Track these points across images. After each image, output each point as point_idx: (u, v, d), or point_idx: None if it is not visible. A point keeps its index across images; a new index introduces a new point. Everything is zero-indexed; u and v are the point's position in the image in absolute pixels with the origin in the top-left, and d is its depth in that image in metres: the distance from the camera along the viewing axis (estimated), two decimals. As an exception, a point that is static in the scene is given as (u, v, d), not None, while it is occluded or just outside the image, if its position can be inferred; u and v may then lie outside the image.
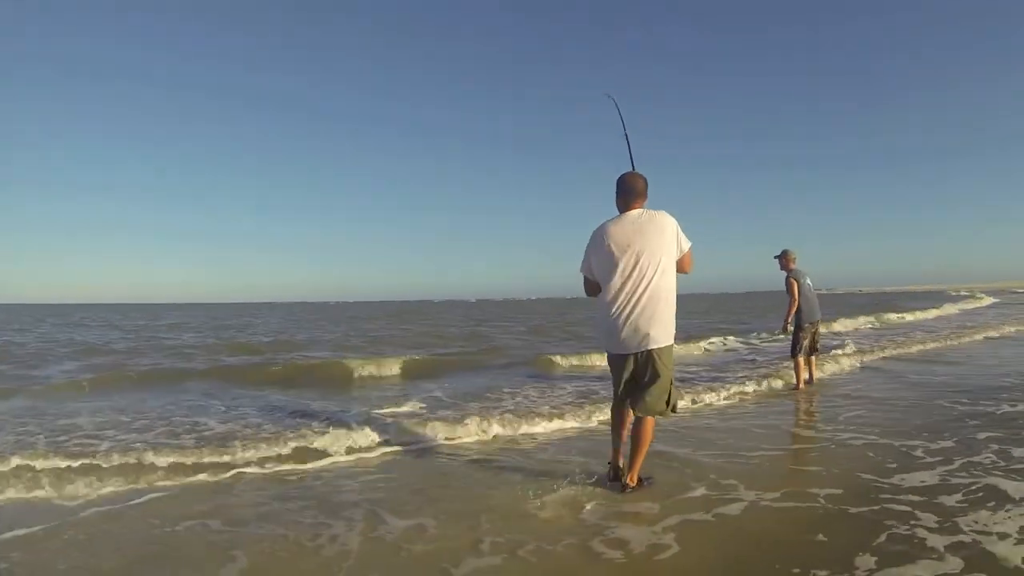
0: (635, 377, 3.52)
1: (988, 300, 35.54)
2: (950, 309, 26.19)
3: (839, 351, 10.44)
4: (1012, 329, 15.18)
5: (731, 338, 14.12)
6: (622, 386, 3.59)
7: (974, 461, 4.12)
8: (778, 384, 7.66)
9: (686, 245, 3.53)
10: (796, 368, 7.60)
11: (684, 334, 12.38)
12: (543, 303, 76.45)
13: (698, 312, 31.22)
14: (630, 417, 3.68)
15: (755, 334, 14.86)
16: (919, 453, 4.38)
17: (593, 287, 3.66)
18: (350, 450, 4.77)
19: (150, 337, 19.00)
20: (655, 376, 3.45)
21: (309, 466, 4.41)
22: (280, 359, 11.38)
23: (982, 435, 4.82)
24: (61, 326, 27.17)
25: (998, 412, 5.68)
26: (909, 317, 21.09)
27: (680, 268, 3.55)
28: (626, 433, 3.74)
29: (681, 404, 5.23)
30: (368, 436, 4.96)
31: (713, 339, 13.68)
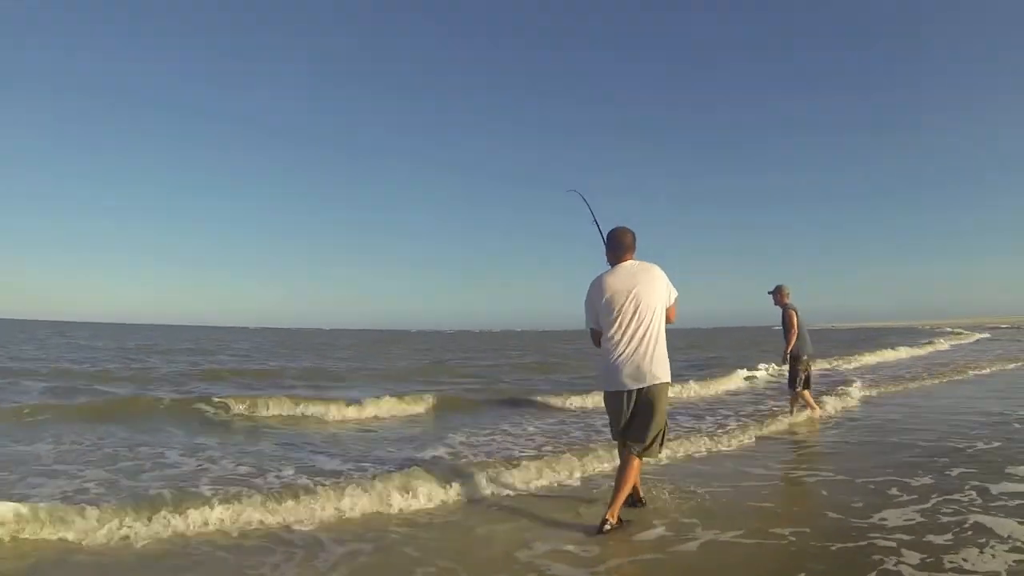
0: (635, 414, 3.67)
1: (975, 336, 35.69)
2: (941, 345, 26.22)
3: (844, 388, 10.13)
4: (1013, 365, 15.33)
5: (741, 370, 13.44)
6: (622, 424, 3.72)
7: (953, 498, 4.02)
8: (775, 425, 7.30)
9: (674, 295, 3.84)
10: (793, 400, 7.85)
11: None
12: (523, 335, 75.21)
13: (675, 348, 30.53)
14: (634, 462, 3.74)
15: (745, 369, 14.21)
16: (895, 491, 4.30)
17: (599, 337, 3.84)
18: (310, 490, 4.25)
19: (119, 359, 18.48)
20: (654, 412, 3.65)
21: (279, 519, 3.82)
22: (258, 390, 10.94)
23: (956, 471, 4.75)
24: (25, 344, 26.27)
25: (975, 449, 5.61)
26: (903, 354, 20.70)
27: (666, 317, 3.80)
28: (628, 481, 3.73)
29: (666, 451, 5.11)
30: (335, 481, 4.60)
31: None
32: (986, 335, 37.25)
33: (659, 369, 3.64)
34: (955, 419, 7.38)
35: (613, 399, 3.75)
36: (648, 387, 3.63)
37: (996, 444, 5.75)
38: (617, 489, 3.66)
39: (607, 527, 3.50)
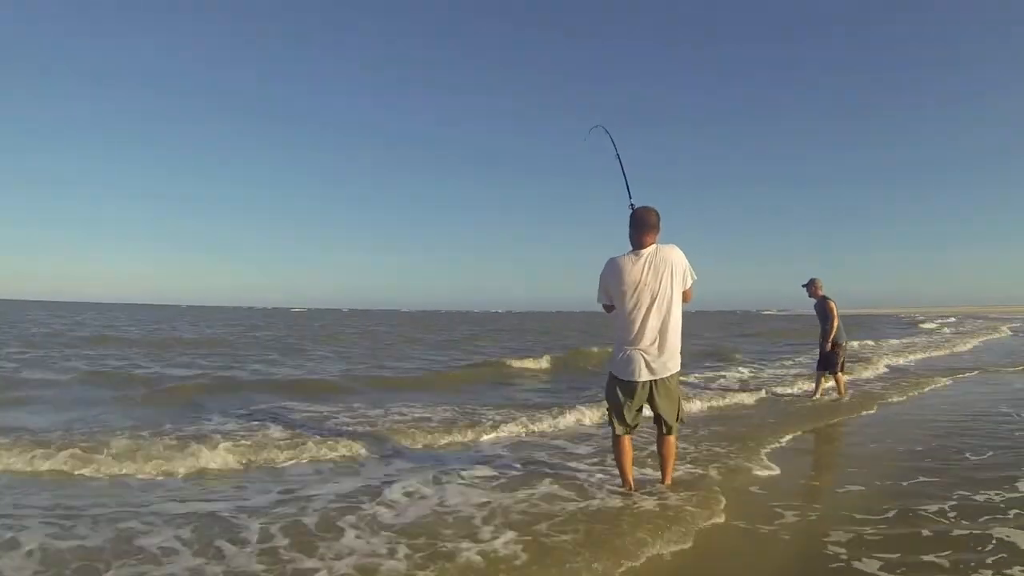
0: (651, 402, 3.94)
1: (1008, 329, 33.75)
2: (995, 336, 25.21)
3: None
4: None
5: (742, 370, 12.20)
6: (629, 412, 3.93)
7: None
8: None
9: (691, 280, 3.92)
10: (819, 382, 8.58)
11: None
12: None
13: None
14: (630, 443, 4.11)
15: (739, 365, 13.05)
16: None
17: (611, 310, 4.01)
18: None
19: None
20: (672, 397, 3.95)
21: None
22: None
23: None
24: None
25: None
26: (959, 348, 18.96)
27: (683, 298, 3.93)
28: (630, 459, 4.12)
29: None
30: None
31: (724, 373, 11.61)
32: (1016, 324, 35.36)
33: (672, 361, 3.88)
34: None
35: (625, 387, 3.92)
36: (662, 379, 3.87)
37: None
38: (666, 462, 4.18)
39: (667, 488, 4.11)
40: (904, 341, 20.81)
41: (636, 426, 4.01)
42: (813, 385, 8.81)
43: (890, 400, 8.34)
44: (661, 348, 3.81)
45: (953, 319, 48.21)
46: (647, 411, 4.04)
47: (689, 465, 4.75)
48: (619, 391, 3.94)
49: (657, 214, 3.86)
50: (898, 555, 3.03)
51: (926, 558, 3.02)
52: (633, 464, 4.18)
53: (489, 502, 3.81)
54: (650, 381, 3.85)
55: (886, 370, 12.04)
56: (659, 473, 4.27)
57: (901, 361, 14.30)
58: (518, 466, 4.75)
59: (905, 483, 4.33)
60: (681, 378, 4.05)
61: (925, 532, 3.37)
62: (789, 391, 9.26)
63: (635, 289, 3.78)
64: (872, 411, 7.55)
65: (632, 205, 4.00)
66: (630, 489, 4.08)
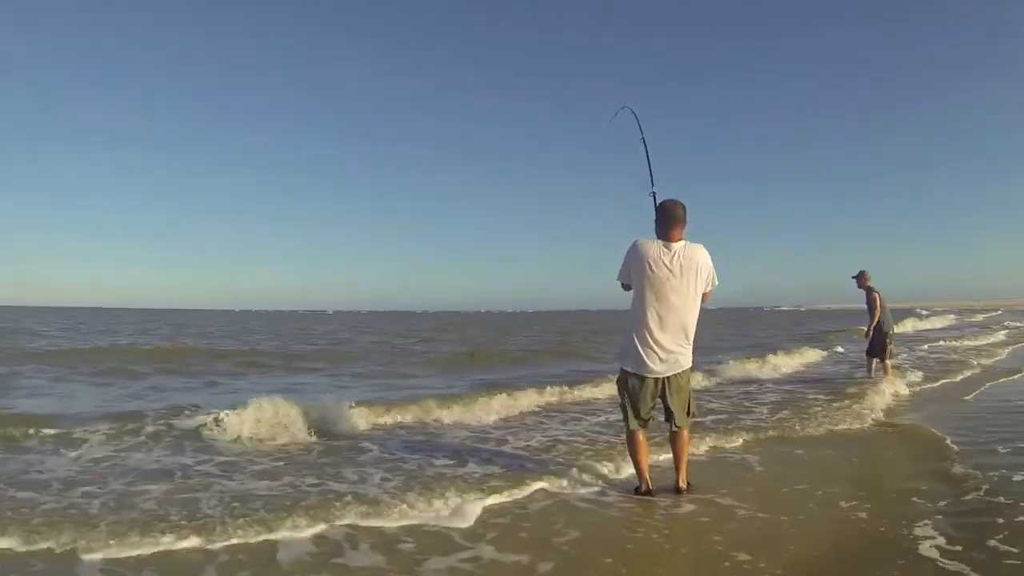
0: (663, 396, 3.89)
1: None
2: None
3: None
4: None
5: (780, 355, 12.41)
6: (643, 406, 3.89)
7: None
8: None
9: (713, 284, 3.88)
10: (870, 365, 9.31)
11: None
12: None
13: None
14: (644, 438, 4.00)
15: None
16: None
17: (628, 288, 3.97)
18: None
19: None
20: (682, 392, 3.92)
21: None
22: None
23: None
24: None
25: None
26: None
27: (701, 297, 3.90)
28: (645, 454, 4.02)
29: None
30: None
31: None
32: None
33: (684, 357, 3.85)
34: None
35: (637, 381, 3.87)
36: (675, 375, 3.84)
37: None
38: (679, 460, 4.03)
39: (685, 491, 3.95)
40: (989, 340, 19.56)
41: (650, 420, 3.96)
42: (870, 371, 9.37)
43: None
44: (675, 344, 3.77)
45: (1001, 312, 48.45)
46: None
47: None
48: (631, 385, 3.90)
49: (684, 207, 3.80)
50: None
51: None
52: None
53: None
54: (663, 377, 3.83)
55: (979, 370, 10.96)
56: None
57: (1005, 352, 14.43)
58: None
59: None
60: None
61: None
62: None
63: (657, 281, 3.72)
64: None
65: (654, 192, 3.96)
66: (647, 487, 3.97)
